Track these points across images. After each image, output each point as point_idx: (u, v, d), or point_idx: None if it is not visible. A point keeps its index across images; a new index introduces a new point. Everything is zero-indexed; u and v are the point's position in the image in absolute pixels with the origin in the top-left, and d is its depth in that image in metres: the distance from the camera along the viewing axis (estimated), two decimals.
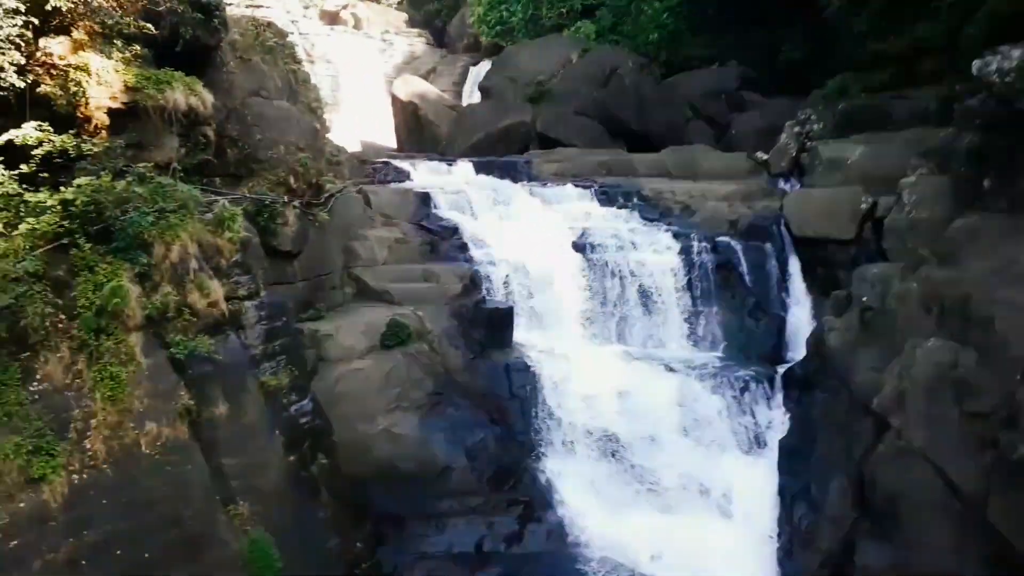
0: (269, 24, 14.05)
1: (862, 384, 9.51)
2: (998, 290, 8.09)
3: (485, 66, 27.67)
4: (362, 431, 10.20)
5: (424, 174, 16.35)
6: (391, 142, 27.26)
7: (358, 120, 28.55)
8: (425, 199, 14.06)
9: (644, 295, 13.22)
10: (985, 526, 7.54)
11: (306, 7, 38.45)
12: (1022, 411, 7.32)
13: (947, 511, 7.95)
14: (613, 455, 11.03)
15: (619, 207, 15.09)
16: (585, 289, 13.24)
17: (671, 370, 12.00)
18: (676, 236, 13.65)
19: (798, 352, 12.24)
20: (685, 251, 13.42)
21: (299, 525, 8.72)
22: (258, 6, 28.95)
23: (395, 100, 26.12)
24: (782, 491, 10.31)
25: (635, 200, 15.16)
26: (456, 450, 10.54)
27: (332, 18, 38.29)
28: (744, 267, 13.27)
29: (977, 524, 7.62)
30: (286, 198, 11.32)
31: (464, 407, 11.02)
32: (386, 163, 16.63)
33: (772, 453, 10.83)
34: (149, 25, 9.19)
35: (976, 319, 8.13)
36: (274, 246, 10.95)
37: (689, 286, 13.27)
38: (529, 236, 13.62)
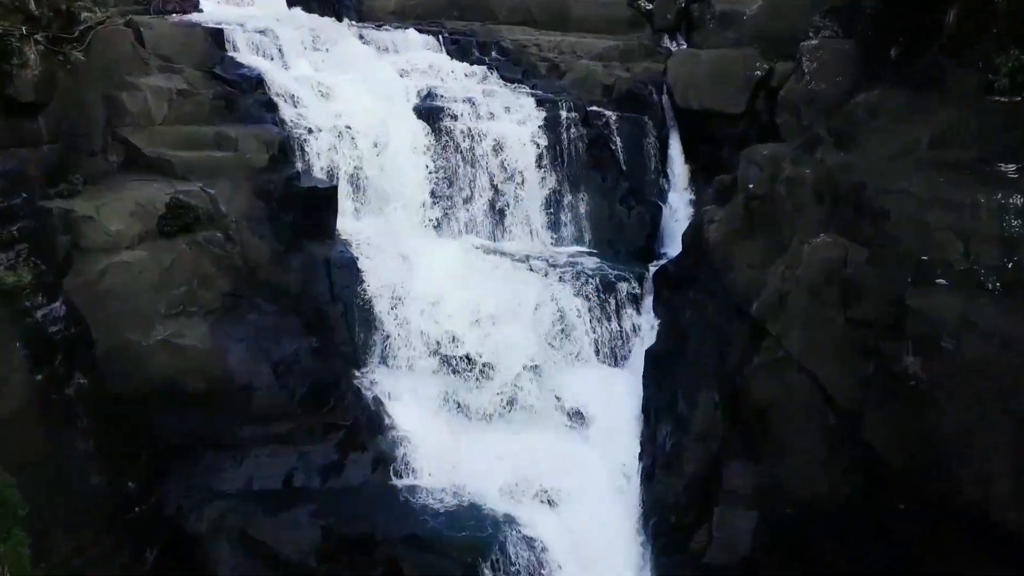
0: None
1: (741, 285, 10.05)
2: (896, 179, 8.45)
3: None
4: (135, 341, 9.85)
5: (218, 3, 15.24)
6: None
7: None
8: (218, 38, 13.22)
9: (499, 176, 13.27)
10: (859, 442, 8.28)
11: None
12: (908, 318, 7.91)
13: (821, 426, 8.65)
14: (456, 370, 11.30)
15: (473, 62, 14.89)
16: (428, 166, 13.14)
17: (529, 268, 12.30)
18: (541, 103, 13.73)
19: (674, 247, 12.81)
20: (551, 123, 13.56)
21: (50, 461, 8.48)
22: None
23: None
24: (646, 407, 10.97)
25: (493, 54, 15.03)
26: (260, 365, 10.43)
27: None
28: (618, 144, 13.59)
29: (850, 440, 8.36)
30: (24, 29, 10.14)
31: (270, 312, 10.86)
32: None
33: (638, 364, 11.42)
34: None
35: (869, 212, 8.49)
36: (8, 95, 9.91)
37: (554, 166, 13.47)
38: (358, 95, 13.23)
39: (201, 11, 14.78)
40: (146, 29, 12.69)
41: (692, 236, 11.42)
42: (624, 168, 13.52)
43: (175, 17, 14.03)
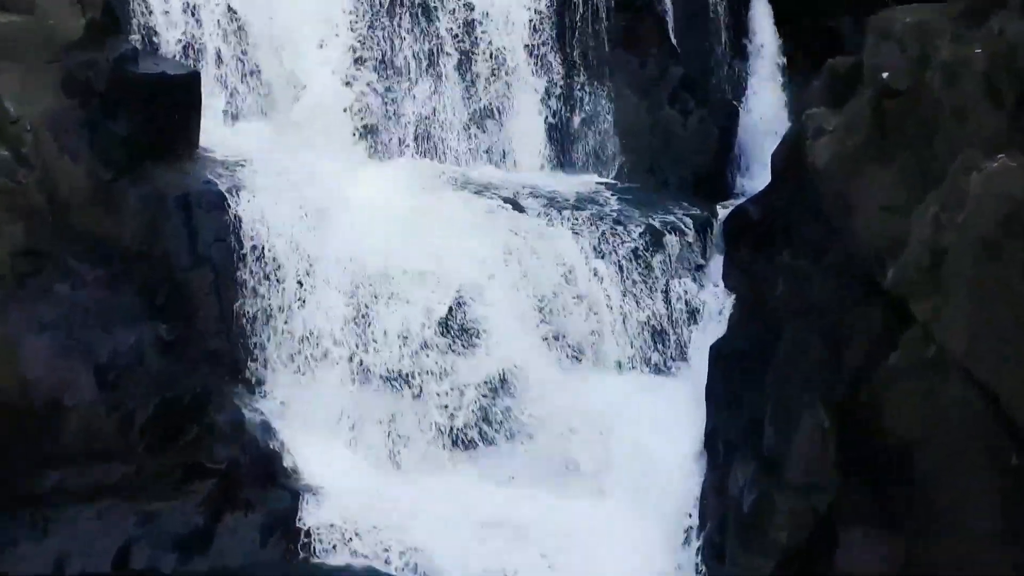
0: None
1: (868, 238, 9.91)
2: None
3: None
4: None
5: None
6: None
7: None
8: None
9: (471, 60, 13.19)
10: None
11: None
12: None
13: (1000, 472, 8.49)
14: (396, 380, 11.22)
15: None
16: (351, 40, 12.97)
17: (516, 210, 12.21)
18: None
19: (757, 176, 12.74)
20: None
21: None
22: None
23: None
24: (711, 438, 10.90)
25: None
26: (76, 368, 10.34)
27: None
28: (667, 8, 13.44)
29: None
30: None
31: (92, 282, 10.78)
32: None
33: (697, 369, 11.40)
34: None
35: None
36: None
37: (560, 42, 13.33)
38: None
39: None
40: None
41: (788, 158, 11.21)
42: (676, 45, 13.46)
43: None
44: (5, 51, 11.08)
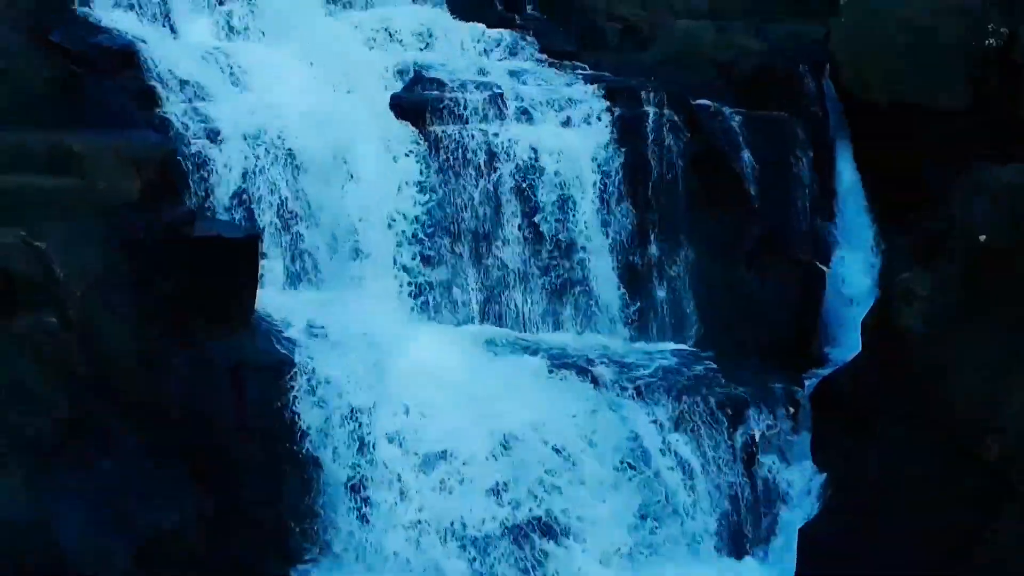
0: None
1: (965, 408, 9.89)
2: None
3: None
4: None
5: None
6: None
7: None
8: None
9: (538, 216, 13.22)
10: None
11: None
12: None
13: None
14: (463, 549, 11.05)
15: (495, 23, 15.02)
16: (414, 200, 13.10)
17: (589, 381, 12.09)
18: (611, 93, 13.70)
19: (845, 345, 12.62)
20: (628, 127, 13.47)
21: None
22: None
23: None
24: None
25: (528, 9, 15.11)
26: (114, 543, 10.19)
27: None
28: (746, 163, 13.47)
29: None
30: None
31: (136, 451, 10.74)
32: None
33: (783, 554, 11.18)
34: None
35: None
36: None
37: (634, 200, 13.36)
38: (295, 78, 13.34)
39: None
40: None
41: (878, 325, 11.17)
42: (756, 204, 13.44)
43: None
44: (55, 213, 11.18)
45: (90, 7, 13.24)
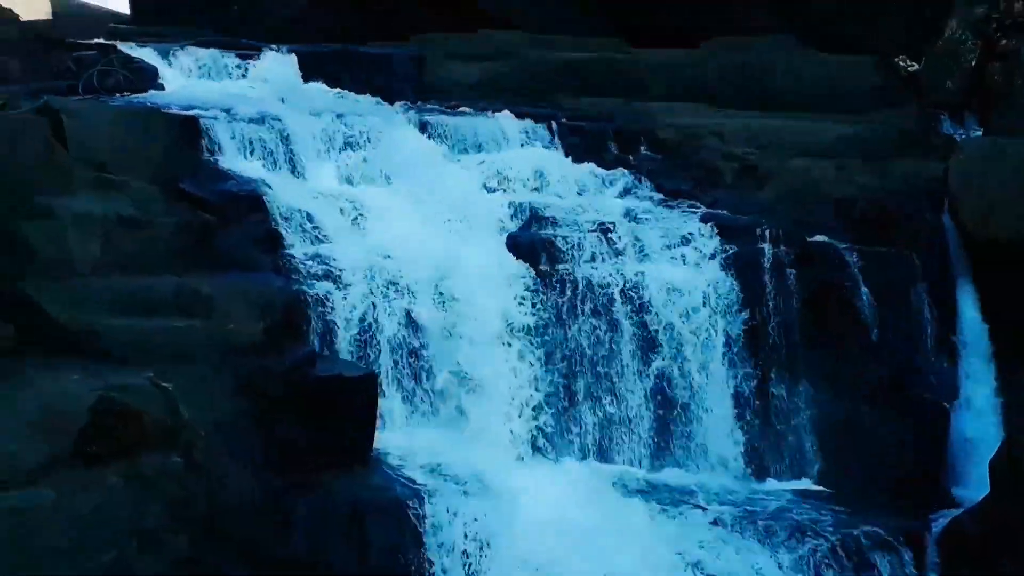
0: None
1: None
2: None
3: None
4: None
5: (189, 76, 16.19)
6: (121, 1, 26.77)
7: None
8: (189, 132, 13.82)
9: (653, 353, 13.29)
10: None
11: None
12: None
13: None
14: None
15: (609, 164, 15.28)
16: (531, 339, 13.24)
17: (711, 522, 11.99)
18: (726, 231, 13.83)
19: (973, 486, 12.47)
20: (744, 264, 13.59)
21: None
22: None
23: None
24: None
25: (642, 150, 15.26)
26: None
27: None
28: (864, 301, 13.47)
29: None
30: None
31: None
32: (106, 48, 16.31)
33: None
34: None
35: None
36: None
37: (750, 338, 13.40)
38: (414, 221, 13.61)
39: (162, 88, 15.58)
40: (71, 119, 13.16)
41: (1007, 466, 11.07)
42: (875, 341, 13.37)
43: (122, 99, 14.80)
44: (182, 355, 11.40)
45: (219, 156, 13.75)
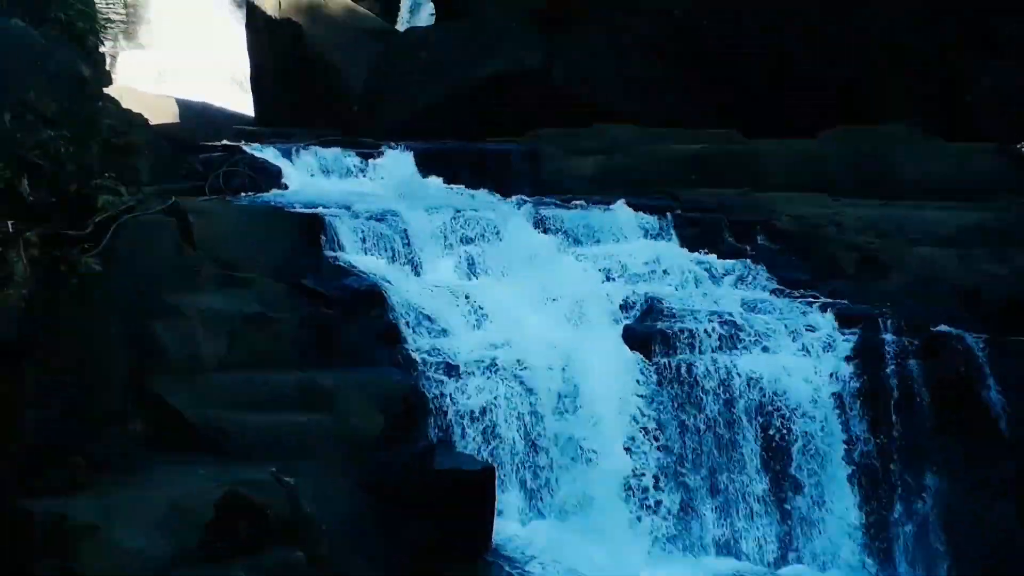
0: None
1: None
2: None
3: None
4: None
5: (311, 176, 16.49)
6: (244, 103, 27.38)
7: (177, 56, 28.79)
8: (312, 230, 14.15)
9: (774, 448, 13.16)
10: None
11: None
12: None
13: None
14: None
15: (725, 254, 15.23)
16: (648, 431, 13.16)
17: None
18: (846, 322, 13.73)
19: None
20: (866, 355, 13.42)
21: None
22: None
23: (256, 16, 26.46)
24: None
25: (759, 240, 15.27)
26: None
27: None
28: (992, 390, 13.24)
29: None
30: (11, 225, 11.16)
31: None
32: (231, 149, 16.80)
33: None
34: None
35: None
36: None
37: (875, 429, 13.18)
38: (531, 313, 13.71)
39: (285, 187, 15.98)
40: (199, 218, 13.63)
41: None
42: (1005, 433, 13.08)
43: (246, 197, 15.23)
44: (304, 449, 11.60)
45: (340, 252, 14.01)
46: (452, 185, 16.89)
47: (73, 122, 11.89)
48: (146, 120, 15.05)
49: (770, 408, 13.24)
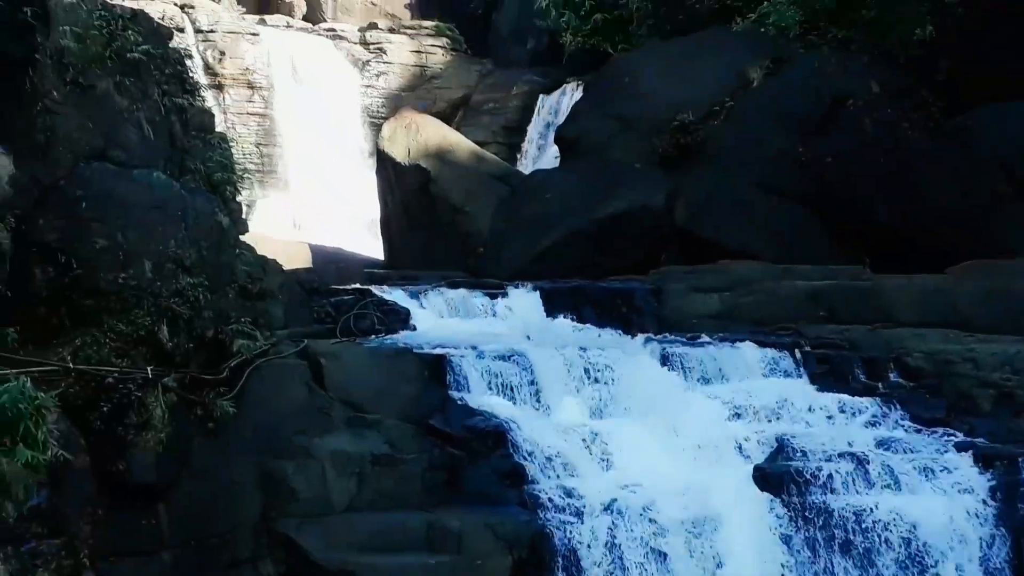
0: (135, 16, 14.61)
1: None
2: None
3: (571, 95, 28.50)
4: None
5: (439, 317, 16.70)
6: (374, 246, 27.87)
7: (309, 203, 29.47)
8: (439, 371, 14.29)
9: None
10: None
11: None
12: None
13: None
14: None
15: (856, 392, 15.05)
16: (784, 570, 12.90)
17: None
18: (984, 460, 13.42)
19: None
20: (1005, 493, 13.10)
21: None
22: None
23: (385, 162, 27.04)
24: None
25: (891, 378, 15.04)
26: None
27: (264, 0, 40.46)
28: None
29: None
30: (150, 371, 11.41)
31: None
32: (361, 292, 17.07)
33: None
34: None
35: None
36: (119, 475, 10.97)
37: (1016, 571, 12.70)
38: (658, 452, 13.67)
39: (413, 328, 16.20)
40: (329, 361, 13.94)
41: None
42: None
43: (374, 340, 15.44)
44: None
45: (466, 392, 14.13)
46: (577, 324, 17.03)
47: (211, 270, 12.24)
48: (280, 266, 15.49)
49: (907, 550, 12.86)
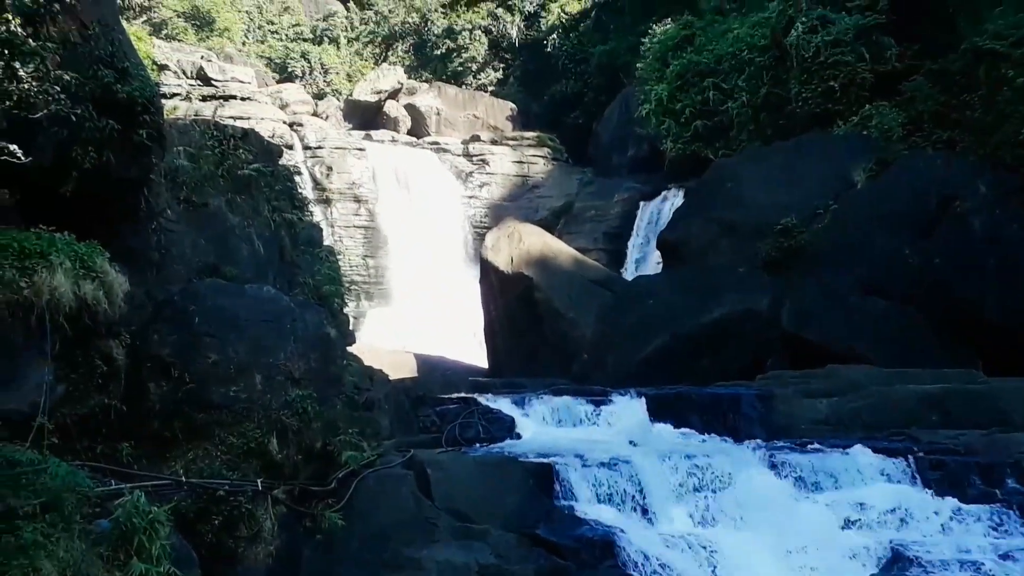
0: (246, 135, 15.02)
1: None
2: None
3: (673, 200, 28.60)
4: None
5: (544, 424, 16.63)
6: (478, 354, 27.99)
7: (414, 312, 29.73)
8: (544, 479, 14.24)
9: None
10: None
11: (319, 95, 41.60)
12: None
13: None
14: None
15: (971, 499, 14.62)
16: None
17: None
18: None
19: None
20: None
21: None
22: (227, 97, 31.74)
23: (488, 271, 27.25)
24: None
25: (1009, 484, 14.71)
26: None
27: (371, 114, 41.36)
28: None
29: None
30: (260, 483, 11.51)
31: None
32: (466, 401, 17.13)
33: None
34: (13, 146, 9.97)
35: None
36: None
37: None
38: (769, 561, 13.38)
39: (518, 436, 16.22)
40: (435, 471, 13.89)
41: None
42: None
43: (480, 449, 15.47)
44: None
45: (572, 501, 14.01)
46: (683, 430, 16.88)
47: (319, 381, 12.38)
48: (386, 376, 15.60)
49: None
